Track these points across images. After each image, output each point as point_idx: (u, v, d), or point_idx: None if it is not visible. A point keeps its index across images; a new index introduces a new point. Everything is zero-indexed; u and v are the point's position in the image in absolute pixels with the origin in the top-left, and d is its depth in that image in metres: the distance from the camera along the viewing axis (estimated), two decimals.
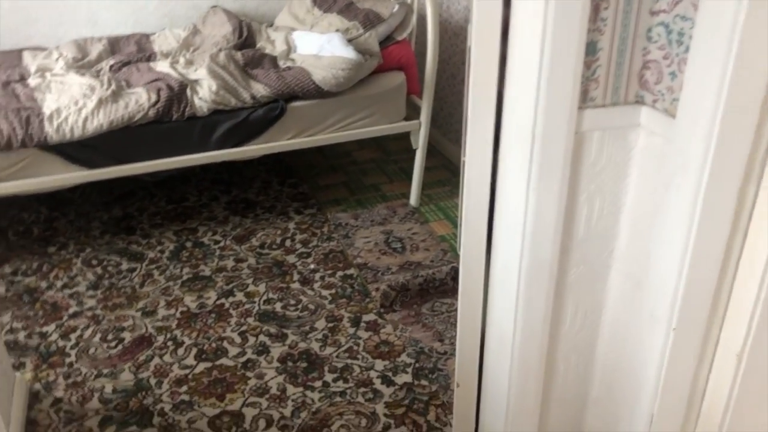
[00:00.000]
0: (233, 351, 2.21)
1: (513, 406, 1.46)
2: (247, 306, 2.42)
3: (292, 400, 2.02)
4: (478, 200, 1.27)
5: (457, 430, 1.64)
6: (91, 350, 2.22)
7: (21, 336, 2.28)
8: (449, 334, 2.29)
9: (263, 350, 2.22)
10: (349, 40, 2.82)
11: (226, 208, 3.02)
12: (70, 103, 2.46)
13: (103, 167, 2.54)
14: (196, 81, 2.63)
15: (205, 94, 2.58)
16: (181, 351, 2.21)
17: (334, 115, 2.76)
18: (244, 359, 2.18)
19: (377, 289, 2.48)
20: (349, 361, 2.17)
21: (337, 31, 2.90)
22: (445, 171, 3.36)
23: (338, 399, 2.03)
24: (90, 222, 2.92)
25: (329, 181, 3.28)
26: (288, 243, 2.78)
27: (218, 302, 2.44)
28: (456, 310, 2.37)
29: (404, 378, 2.11)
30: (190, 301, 2.44)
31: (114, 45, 3.02)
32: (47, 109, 2.42)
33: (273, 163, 3.39)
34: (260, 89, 2.64)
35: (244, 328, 2.32)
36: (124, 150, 2.54)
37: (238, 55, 2.80)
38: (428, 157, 3.08)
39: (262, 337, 2.27)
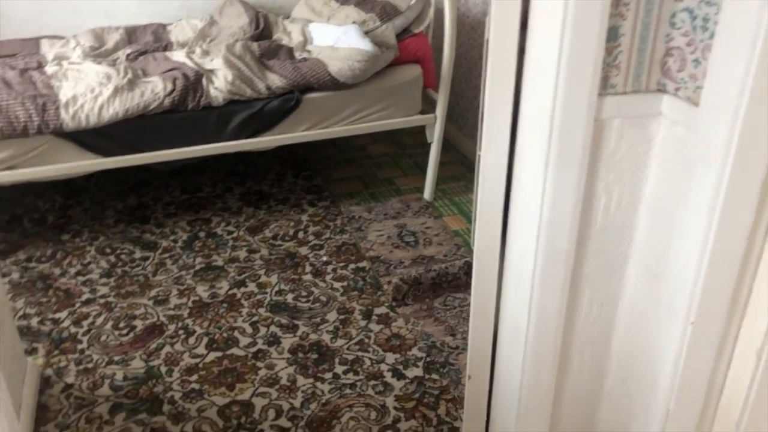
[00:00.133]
0: (244, 341, 2.21)
1: (525, 400, 1.44)
2: (258, 297, 2.41)
3: (302, 391, 2.01)
4: (493, 189, 1.25)
5: (468, 424, 1.62)
6: (103, 337, 2.22)
7: (34, 322, 2.29)
8: (461, 329, 2.27)
9: (274, 341, 2.21)
10: (366, 32, 2.81)
11: (240, 199, 3.02)
12: (87, 90, 2.46)
13: (118, 155, 2.54)
14: (211, 71, 2.63)
15: (220, 84, 2.57)
16: (192, 340, 2.21)
17: (349, 107, 2.75)
18: (254, 349, 2.17)
19: (389, 283, 2.46)
20: (359, 353, 2.16)
21: (354, 23, 2.89)
22: (460, 166, 3.34)
23: (348, 391, 2.02)
24: (104, 210, 2.93)
25: (343, 174, 3.27)
26: (301, 235, 2.77)
27: (230, 292, 2.44)
28: (469, 305, 2.35)
29: (415, 372, 2.09)
30: (202, 291, 2.44)
31: (131, 34, 3.03)
32: (63, 97, 2.43)
33: (287, 155, 3.39)
34: (276, 80, 2.64)
35: (255, 318, 2.31)
36: (139, 138, 2.54)
37: (255, 45, 2.80)
38: (443, 152, 3.06)
39: (273, 328, 2.26)
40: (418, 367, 2.11)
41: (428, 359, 2.14)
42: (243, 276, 2.52)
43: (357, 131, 2.82)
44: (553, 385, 1.42)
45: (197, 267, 2.57)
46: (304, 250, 2.67)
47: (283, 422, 1.92)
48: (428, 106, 2.92)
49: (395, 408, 1.96)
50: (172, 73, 2.59)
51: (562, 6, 1.05)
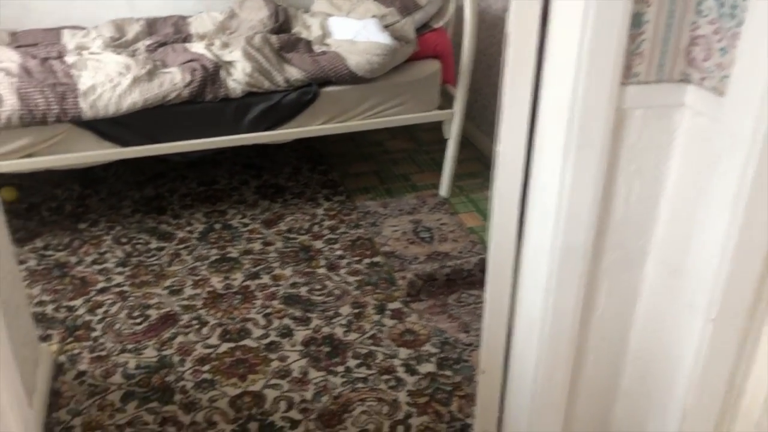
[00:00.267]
0: (257, 332, 2.20)
1: (539, 396, 1.42)
2: (272, 289, 2.41)
3: (314, 384, 2.00)
4: (510, 178, 1.23)
5: (480, 419, 1.60)
6: (117, 326, 2.23)
7: (49, 309, 2.30)
8: (475, 326, 2.25)
9: (287, 333, 2.20)
10: (385, 27, 2.80)
11: (256, 192, 3.02)
12: (106, 80, 2.47)
13: (136, 145, 2.55)
14: (230, 63, 2.63)
15: (239, 76, 2.57)
16: (205, 330, 2.21)
17: (367, 101, 2.73)
18: (267, 341, 2.17)
19: (404, 278, 2.45)
20: (372, 347, 2.15)
21: (374, 17, 2.87)
22: (478, 163, 3.31)
23: (360, 385, 2.00)
24: (121, 201, 2.94)
25: (359, 169, 3.26)
26: (316, 229, 2.77)
27: (244, 284, 2.43)
28: (483, 302, 2.33)
29: (428, 367, 2.07)
30: (216, 282, 2.44)
31: (151, 26, 3.04)
32: (83, 86, 2.44)
33: (304, 149, 3.38)
34: (294, 73, 2.63)
35: (268, 310, 2.30)
36: (156, 129, 2.55)
37: (274, 38, 2.79)
38: (461, 149, 3.04)
39: (286, 320, 2.26)
40: (431, 362, 2.09)
41: (441, 355, 2.12)
42: (257, 268, 2.52)
43: (374, 125, 2.81)
44: (567, 382, 1.40)
45: (212, 258, 2.57)
46: (318, 244, 2.66)
47: (295, 414, 1.91)
48: (446, 102, 2.90)
49: (407, 403, 1.95)
50: (191, 64, 2.59)
51: None
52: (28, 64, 2.56)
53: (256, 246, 2.65)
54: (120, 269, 2.50)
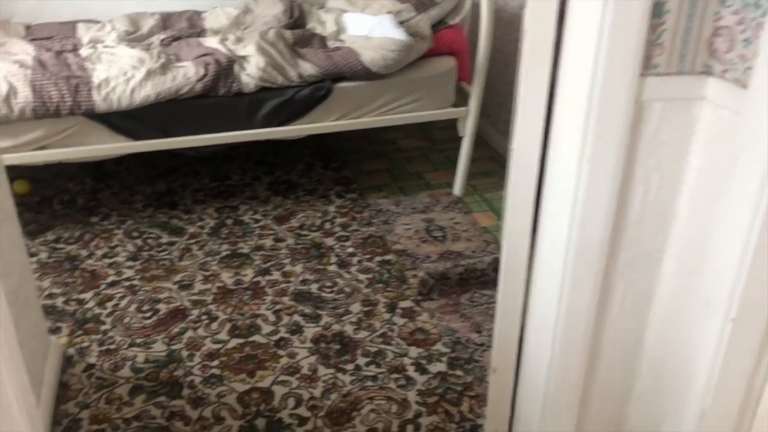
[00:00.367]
0: (267, 329, 2.18)
1: (551, 396, 1.39)
2: (283, 285, 2.39)
3: (323, 381, 1.98)
4: (525, 171, 1.20)
5: (491, 419, 1.57)
6: (126, 319, 2.22)
7: (59, 301, 2.30)
8: (487, 326, 2.22)
9: (296, 330, 2.18)
10: (401, 23, 2.77)
11: (268, 189, 3.01)
12: (119, 73, 2.47)
13: (148, 139, 2.54)
14: (244, 57, 2.62)
15: (252, 71, 2.56)
16: (214, 325, 2.20)
17: (381, 97, 2.71)
18: (276, 337, 2.15)
19: (415, 276, 2.42)
20: (382, 346, 2.12)
21: (389, 13, 2.85)
22: (493, 162, 3.28)
23: (370, 383, 1.98)
24: (133, 195, 2.94)
25: (372, 167, 3.24)
26: (327, 226, 2.75)
27: (255, 280, 2.42)
28: (496, 299, 2.30)
29: (439, 367, 2.05)
30: (226, 277, 2.43)
31: (166, 20, 3.03)
32: (96, 79, 2.44)
33: (317, 146, 3.36)
34: (308, 68, 2.61)
35: (278, 306, 2.29)
36: (169, 123, 2.54)
37: (288, 33, 2.78)
38: (476, 148, 3.01)
39: (296, 317, 2.24)
40: (441, 362, 2.07)
41: (452, 355, 2.10)
42: (268, 264, 2.50)
43: (388, 122, 2.79)
44: (581, 382, 1.36)
45: (223, 254, 2.56)
46: (330, 241, 2.65)
47: (303, 411, 1.89)
48: (461, 100, 2.87)
49: (417, 402, 1.92)
50: (204, 58, 2.58)
51: None
52: (42, 56, 2.56)
53: (268, 242, 2.64)
54: (130, 263, 2.50)
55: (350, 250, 2.60)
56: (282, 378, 1.99)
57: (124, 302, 2.30)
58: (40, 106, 2.34)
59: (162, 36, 2.86)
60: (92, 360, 2.05)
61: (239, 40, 2.78)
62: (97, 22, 3.03)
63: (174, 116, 2.53)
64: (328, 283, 2.41)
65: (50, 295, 2.32)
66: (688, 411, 1.25)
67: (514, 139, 1.22)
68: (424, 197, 2.98)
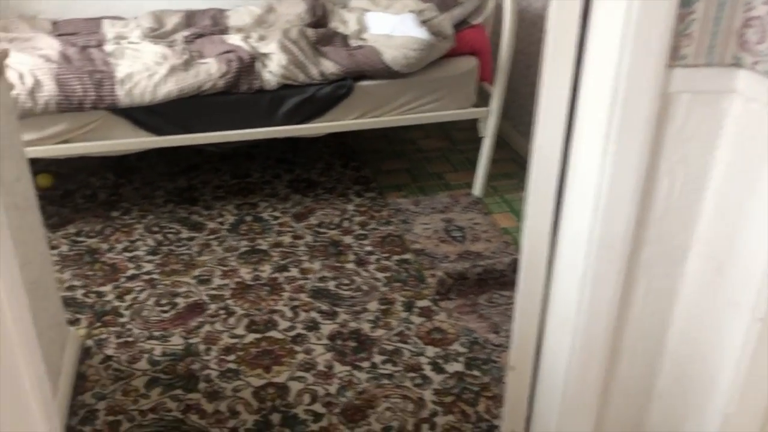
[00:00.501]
0: (283, 324, 2.18)
1: (570, 395, 1.36)
2: (300, 282, 2.39)
3: (339, 378, 1.97)
4: (548, 165, 1.18)
5: (508, 418, 1.55)
6: (145, 312, 2.23)
7: (79, 293, 2.31)
8: (505, 327, 2.20)
9: (313, 326, 2.18)
10: (423, 22, 2.76)
11: (288, 186, 3.01)
12: (143, 69, 2.49)
13: (170, 135, 2.55)
14: (266, 54, 2.62)
15: (274, 68, 2.56)
16: (232, 320, 2.20)
17: (402, 96, 2.70)
18: (293, 333, 2.14)
19: (433, 276, 2.40)
20: (399, 344, 2.11)
21: (411, 12, 2.84)
22: (513, 164, 3.26)
23: (386, 381, 1.97)
24: (155, 190, 2.95)
25: (392, 166, 3.23)
26: (346, 224, 2.74)
27: (272, 276, 2.41)
28: (515, 295, 2.27)
29: (455, 367, 2.03)
30: (245, 273, 2.43)
31: (190, 18, 3.05)
32: (120, 74, 2.45)
33: (337, 145, 3.36)
34: (329, 66, 2.61)
35: (296, 303, 2.28)
36: (191, 119, 2.55)
37: (310, 31, 2.78)
38: (497, 149, 2.99)
39: (313, 314, 2.23)
40: (458, 362, 2.05)
41: (470, 355, 2.08)
42: (286, 261, 2.50)
43: (408, 121, 2.78)
44: (600, 381, 1.34)
45: (242, 250, 2.57)
46: (348, 239, 2.64)
47: (318, 408, 1.88)
48: (483, 100, 2.85)
49: (433, 402, 1.91)
50: (227, 55, 2.59)
51: None
52: (67, 51, 2.59)
53: (286, 239, 2.63)
54: (150, 257, 2.51)
55: (368, 248, 2.59)
56: (298, 374, 1.99)
57: (143, 295, 2.31)
58: (64, 100, 2.36)
59: (185, 33, 2.88)
60: (110, 352, 2.06)
61: (262, 38, 2.79)
62: (122, 18, 3.06)
63: (196, 112, 2.54)
64: (346, 281, 2.40)
65: (70, 287, 2.34)
66: (711, 412, 1.22)
67: (536, 130, 1.20)
68: (444, 197, 2.96)
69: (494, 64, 2.81)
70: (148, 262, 2.48)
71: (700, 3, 1.03)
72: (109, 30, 2.90)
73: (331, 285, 2.38)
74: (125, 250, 2.55)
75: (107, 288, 2.34)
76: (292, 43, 2.66)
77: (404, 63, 2.61)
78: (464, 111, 2.82)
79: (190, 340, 2.11)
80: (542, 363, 1.42)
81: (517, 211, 2.87)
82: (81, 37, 2.81)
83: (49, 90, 2.35)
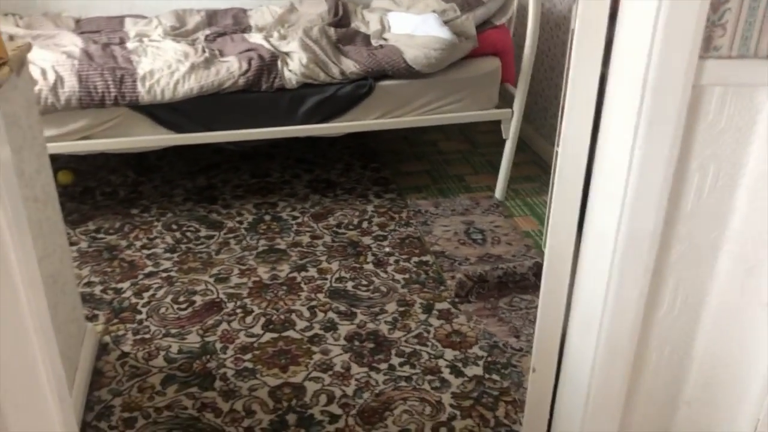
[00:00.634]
0: (301, 324, 2.16)
1: (593, 399, 1.33)
2: (318, 282, 2.37)
3: (356, 380, 1.95)
4: (574, 159, 1.15)
5: (529, 422, 1.51)
6: (162, 310, 2.22)
7: (97, 290, 2.31)
8: (526, 331, 2.16)
9: (331, 327, 2.15)
10: (445, 22, 2.74)
11: (307, 186, 2.99)
12: (164, 66, 2.49)
13: (190, 132, 2.55)
14: (287, 53, 2.61)
15: (295, 67, 2.55)
16: (249, 319, 2.18)
17: (423, 96, 2.68)
18: (310, 333, 2.12)
19: (453, 278, 2.37)
20: (417, 347, 2.08)
21: (434, 12, 2.82)
22: (535, 167, 3.22)
23: (403, 384, 1.94)
24: (174, 189, 2.95)
25: (412, 168, 3.20)
26: (365, 225, 2.72)
27: (290, 275, 2.40)
28: (536, 307, 2.23)
29: (474, 370, 1.99)
30: (263, 272, 2.41)
31: (211, 17, 3.06)
32: (141, 71, 2.46)
33: (357, 146, 3.35)
34: (350, 65, 2.60)
35: (313, 303, 2.26)
36: (211, 117, 2.55)
37: (332, 30, 2.77)
38: (518, 152, 2.95)
39: (330, 314, 2.21)
40: (478, 365, 2.01)
41: (489, 359, 2.04)
42: (304, 261, 2.48)
43: (430, 122, 2.75)
44: (625, 385, 1.30)
45: (260, 249, 2.55)
46: (367, 240, 2.62)
47: (334, 408, 1.85)
48: (505, 102, 2.82)
49: (451, 405, 1.87)
50: (248, 53, 2.58)
51: None
52: (89, 48, 2.60)
53: (305, 239, 2.62)
54: (168, 255, 2.50)
55: (387, 249, 2.56)
56: (315, 374, 1.96)
57: (160, 293, 2.30)
58: (86, 96, 2.37)
59: (207, 32, 2.88)
60: (127, 348, 2.05)
61: (283, 36, 2.79)
62: (144, 17, 3.07)
63: (216, 110, 2.54)
64: (364, 282, 2.37)
65: (88, 284, 2.34)
66: (741, 420, 1.18)
67: (562, 123, 1.17)
68: (464, 200, 2.93)
69: (517, 66, 2.78)
70: (167, 259, 2.48)
71: None
72: (131, 28, 2.91)
73: (349, 285, 2.35)
74: (144, 247, 2.55)
75: (125, 285, 2.34)
76: (314, 41, 2.65)
77: (426, 63, 2.59)
78: (486, 112, 2.79)
79: (207, 338, 2.10)
80: (565, 365, 1.38)
81: (538, 215, 2.83)
82: (103, 34, 2.82)
83: (71, 86, 2.36)
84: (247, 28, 2.95)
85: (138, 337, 2.10)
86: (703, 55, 1.03)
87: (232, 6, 3.19)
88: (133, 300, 2.26)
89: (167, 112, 2.49)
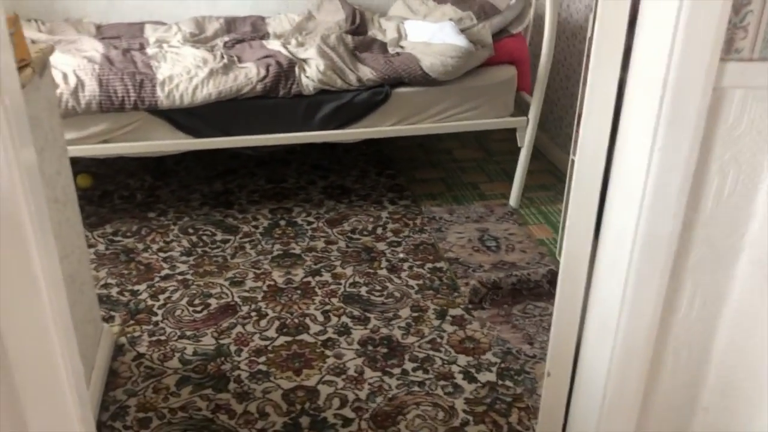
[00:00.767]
0: (315, 328, 2.16)
1: (608, 405, 1.32)
2: (332, 287, 2.37)
3: (369, 384, 1.95)
4: (591, 161, 1.15)
5: (543, 427, 1.50)
6: (178, 312, 2.23)
7: (113, 291, 2.33)
8: (540, 338, 2.15)
9: (344, 331, 2.16)
10: (462, 30, 2.75)
11: (322, 192, 3.01)
12: (183, 71, 2.51)
13: (208, 137, 2.57)
14: (305, 60, 2.64)
15: (312, 73, 2.57)
16: (263, 322, 2.19)
17: (439, 104, 2.69)
18: (324, 337, 2.13)
19: (467, 284, 2.37)
20: (431, 352, 2.08)
21: (450, 20, 2.84)
22: (550, 176, 3.21)
23: (416, 389, 1.94)
24: (191, 193, 2.98)
25: (427, 175, 3.21)
26: (379, 231, 2.72)
27: (305, 280, 2.41)
28: (550, 315, 2.22)
29: (488, 376, 1.99)
30: (277, 276, 2.42)
31: (230, 24, 3.09)
32: (161, 76, 2.49)
33: (373, 153, 3.36)
34: (367, 72, 2.61)
35: (327, 307, 2.27)
36: (229, 122, 2.57)
37: (349, 38, 2.79)
38: (533, 160, 2.95)
39: (344, 318, 2.21)
40: (491, 372, 2.01)
41: (503, 365, 2.03)
42: (319, 265, 2.49)
43: (446, 129, 2.76)
44: (641, 390, 1.29)
45: (275, 253, 2.56)
46: (381, 246, 2.62)
47: (348, 412, 1.85)
48: (521, 111, 2.82)
49: (464, 411, 1.87)
50: (266, 60, 2.61)
51: None
52: (110, 53, 2.64)
53: (319, 244, 2.63)
54: (184, 258, 2.52)
55: (401, 255, 2.57)
56: (328, 378, 1.97)
57: (176, 295, 2.31)
58: (106, 100, 2.40)
59: (226, 38, 2.91)
60: (142, 349, 2.07)
61: (301, 43, 2.81)
62: (164, 24, 3.11)
63: (234, 116, 2.56)
64: (378, 287, 2.38)
65: (105, 285, 2.36)
66: (759, 427, 1.17)
67: (581, 125, 1.17)
68: (479, 207, 2.93)
69: (533, 74, 2.79)
70: (183, 262, 2.49)
71: None
72: (151, 34, 2.95)
73: (363, 290, 2.36)
74: (160, 250, 2.57)
75: (141, 287, 2.36)
76: (331, 48, 2.67)
77: (442, 70, 2.60)
78: (502, 120, 2.79)
79: (222, 341, 2.11)
80: (580, 369, 1.38)
81: (553, 223, 2.82)
82: (124, 40, 2.86)
83: (91, 90, 2.39)
84: (265, 35, 2.98)
85: (153, 338, 2.11)
86: (724, 57, 1.03)
87: (251, 14, 3.22)
88: (149, 302, 2.28)
89: (185, 117, 2.51)
